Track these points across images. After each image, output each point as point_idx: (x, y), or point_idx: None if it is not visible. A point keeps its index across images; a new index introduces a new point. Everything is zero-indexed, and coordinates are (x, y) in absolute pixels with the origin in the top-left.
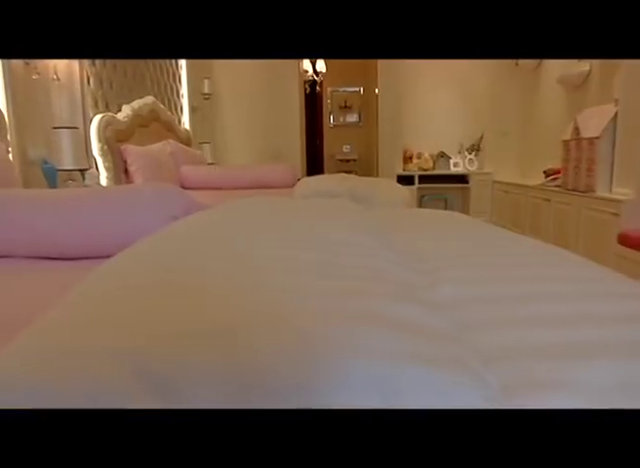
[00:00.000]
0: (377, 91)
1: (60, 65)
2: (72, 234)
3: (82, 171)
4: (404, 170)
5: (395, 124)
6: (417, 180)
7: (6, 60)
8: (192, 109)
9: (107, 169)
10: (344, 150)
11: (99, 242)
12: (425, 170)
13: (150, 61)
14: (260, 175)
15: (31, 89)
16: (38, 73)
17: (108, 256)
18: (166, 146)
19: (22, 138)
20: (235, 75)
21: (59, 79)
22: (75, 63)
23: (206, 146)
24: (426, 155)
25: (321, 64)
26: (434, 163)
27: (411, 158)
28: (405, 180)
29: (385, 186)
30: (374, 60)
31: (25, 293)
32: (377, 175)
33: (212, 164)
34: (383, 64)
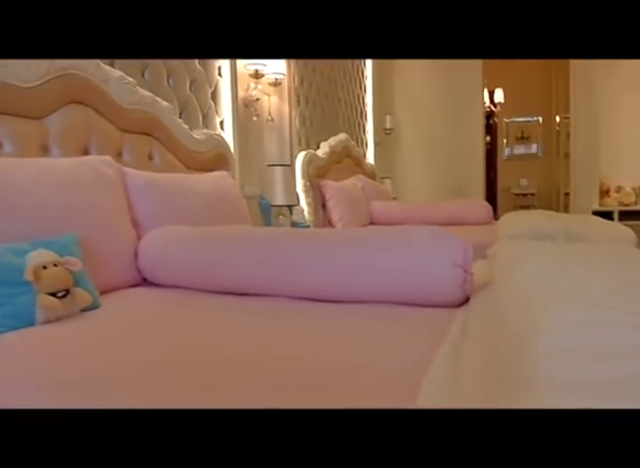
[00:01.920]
0: (557, 119)
1: (274, 107)
2: (342, 276)
3: (290, 206)
4: (600, 205)
5: (590, 154)
6: (616, 217)
7: (235, 103)
8: (375, 144)
9: (308, 204)
10: (521, 184)
11: (371, 286)
12: (627, 204)
13: (343, 100)
14: (453, 211)
15: (250, 129)
16: (257, 115)
17: (381, 302)
18: (357, 181)
19: (242, 175)
20: (416, 109)
21: (272, 119)
22: (286, 104)
23: (387, 181)
24: (628, 188)
25: (499, 95)
26: (637, 197)
27: (608, 192)
28: (602, 217)
29: (601, 224)
30: (561, 87)
31: (313, 336)
32: (564, 211)
33: (394, 199)
34: (577, 90)
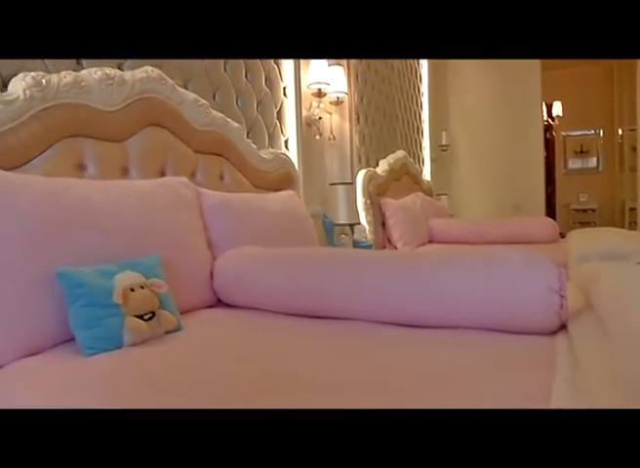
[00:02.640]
0: (620, 131)
1: (335, 125)
2: (427, 300)
3: (352, 225)
4: None
5: None
6: None
7: (299, 122)
8: (431, 161)
9: (369, 223)
10: (581, 199)
11: (460, 311)
12: None
13: (400, 117)
14: (516, 229)
15: (312, 148)
16: (320, 134)
17: (468, 327)
18: (416, 199)
19: (305, 194)
20: (472, 125)
21: (334, 138)
22: (346, 122)
23: (443, 198)
24: None
25: (558, 108)
26: None
27: None
28: None
29: None
30: (625, 98)
31: (410, 364)
32: (629, 228)
33: (451, 216)
34: None
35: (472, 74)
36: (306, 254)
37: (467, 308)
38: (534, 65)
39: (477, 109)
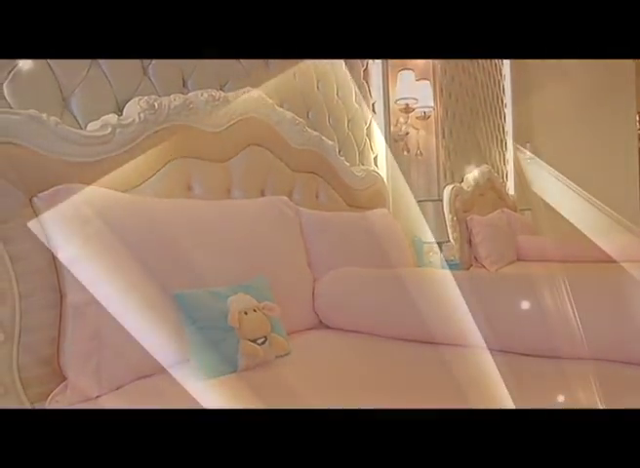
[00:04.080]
0: None
1: (422, 141)
2: (551, 329)
3: (440, 243)
4: None
5: None
6: None
7: (388, 138)
8: (515, 174)
9: (455, 240)
10: None
11: (588, 341)
12: None
13: (484, 130)
14: (614, 247)
15: (400, 164)
16: (408, 150)
17: (597, 359)
18: (502, 215)
19: (394, 211)
20: (558, 137)
21: (421, 154)
22: (432, 137)
23: (527, 213)
24: None
25: None
26: None
27: None
28: None
29: None
30: None
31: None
32: None
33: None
34: None
35: (557, 83)
36: (414, 277)
37: (599, 338)
38: (627, 70)
39: (563, 120)
